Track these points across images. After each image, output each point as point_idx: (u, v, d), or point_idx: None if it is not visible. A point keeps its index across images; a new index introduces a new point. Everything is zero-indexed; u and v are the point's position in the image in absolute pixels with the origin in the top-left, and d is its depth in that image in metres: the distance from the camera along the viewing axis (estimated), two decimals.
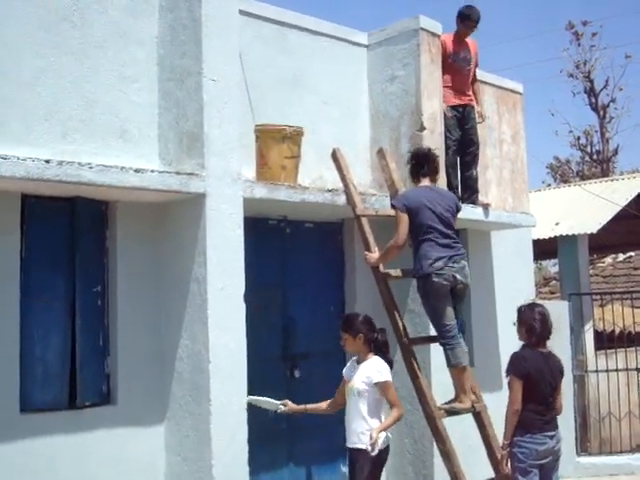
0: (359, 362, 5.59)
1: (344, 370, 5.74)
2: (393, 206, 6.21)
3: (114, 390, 5.69)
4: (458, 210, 6.36)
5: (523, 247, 9.31)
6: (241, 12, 6.33)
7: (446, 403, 6.23)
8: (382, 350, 5.59)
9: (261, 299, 6.53)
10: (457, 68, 7.67)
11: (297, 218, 7.04)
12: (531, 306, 5.73)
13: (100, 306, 5.70)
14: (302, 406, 5.93)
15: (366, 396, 5.41)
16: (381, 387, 5.43)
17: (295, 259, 7.02)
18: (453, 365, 6.13)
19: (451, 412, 6.20)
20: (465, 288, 6.22)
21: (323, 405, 5.88)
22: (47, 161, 4.90)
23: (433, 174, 6.34)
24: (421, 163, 6.34)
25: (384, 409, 5.54)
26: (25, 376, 5.25)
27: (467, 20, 7.66)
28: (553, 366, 5.59)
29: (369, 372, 5.45)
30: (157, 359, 5.84)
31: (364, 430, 5.35)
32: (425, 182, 6.29)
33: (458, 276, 6.05)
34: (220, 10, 5.82)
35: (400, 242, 6.05)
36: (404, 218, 6.05)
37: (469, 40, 7.84)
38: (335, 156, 6.74)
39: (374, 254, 6.34)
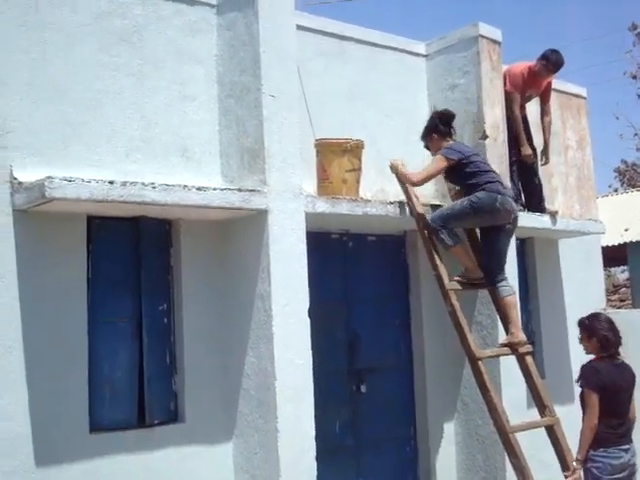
0: None
1: None
2: (442, 155, 6.34)
3: (182, 408, 5.69)
4: None
5: (592, 255, 9.10)
6: (301, 27, 6.36)
7: (458, 276, 6.37)
8: None
9: (325, 314, 6.48)
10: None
11: (359, 231, 6.98)
12: (596, 316, 5.56)
13: (166, 324, 5.72)
14: None
15: None
16: None
17: (358, 273, 6.96)
18: (452, 245, 6.27)
19: (466, 283, 6.36)
20: (515, 227, 6.44)
21: None
22: (111, 182, 4.94)
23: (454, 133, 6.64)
24: (448, 123, 6.56)
25: None
26: (94, 396, 5.29)
27: (551, 65, 7.56)
28: (627, 377, 5.41)
29: None
30: (223, 376, 5.83)
31: None
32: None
33: (514, 214, 6.33)
34: (277, 26, 5.82)
35: (416, 180, 6.34)
36: (441, 164, 6.30)
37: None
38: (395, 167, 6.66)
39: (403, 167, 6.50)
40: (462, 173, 6.33)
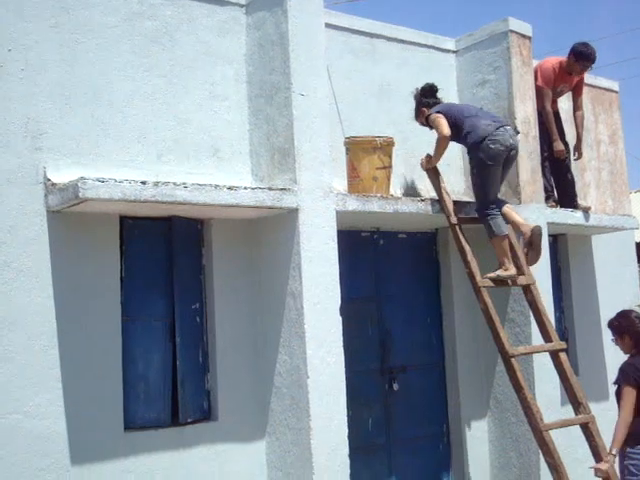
0: None
1: None
2: (426, 119, 6.51)
3: (215, 406, 5.72)
4: None
5: (626, 250, 9.00)
6: (330, 25, 6.38)
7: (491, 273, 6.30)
8: None
9: (356, 312, 6.49)
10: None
11: (390, 229, 6.98)
12: (624, 314, 5.53)
13: (199, 323, 5.76)
14: None
15: None
16: None
17: (389, 270, 6.95)
18: (496, 234, 6.24)
19: (497, 281, 6.28)
20: (517, 153, 6.46)
21: None
22: (143, 182, 4.98)
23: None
24: (432, 95, 6.68)
25: None
26: (128, 394, 5.34)
27: (585, 60, 7.52)
28: None
29: None
30: (256, 374, 5.86)
31: None
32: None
33: (511, 140, 6.29)
34: (306, 25, 5.82)
35: (446, 131, 6.26)
36: (440, 116, 6.35)
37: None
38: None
39: (425, 158, 6.55)
40: (454, 131, 6.35)
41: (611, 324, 5.53)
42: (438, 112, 6.42)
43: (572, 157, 7.91)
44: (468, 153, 6.44)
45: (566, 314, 8.15)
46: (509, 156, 6.33)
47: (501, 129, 6.27)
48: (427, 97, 6.66)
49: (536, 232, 6.26)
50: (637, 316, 5.46)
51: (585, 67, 7.57)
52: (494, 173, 6.29)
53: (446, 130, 6.28)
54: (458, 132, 6.36)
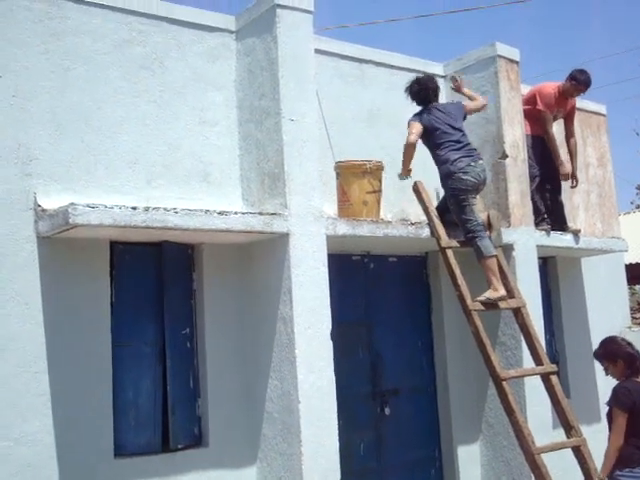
0: None
1: None
2: (409, 123, 6.51)
3: (206, 432, 5.69)
4: (465, 113, 6.69)
5: (616, 272, 9.04)
6: (320, 51, 6.44)
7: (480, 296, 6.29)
8: None
9: (347, 336, 6.48)
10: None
11: (380, 253, 6.99)
12: (609, 340, 5.53)
13: (189, 348, 5.74)
14: None
15: None
16: None
17: (380, 294, 6.95)
18: (485, 256, 6.29)
19: (488, 304, 6.29)
20: (484, 187, 6.61)
21: None
22: (134, 208, 4.99)
23: (436, 98, 6.67)
24: (417, 95, 6.63)
25: None
26: (119, 420, 5.31)
27: (581, 85, 7.71)
28: None
29: None
30: (247, 400, 5.83)
31: None
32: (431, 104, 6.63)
33: (482, 175, 6.43)
34: (296, 51, 5.86)
35: (412, 139, 6.37)
36: (417, 124, 6.44)
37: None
38: (416, 188, 6.68)
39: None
40: (431, 142, 6.48)
41: (597, 353, 5.53)
42: (420, 120, 6.46)
43: (570, 184, 7.97)
44: (442, 185, 6.48)
45: (557, 337, 8.16)
46: (479, 188, 6.46)
47: (472, 164, 6.35)
48: (415, 99, 6.66)
49: (492, 216, 6.57)
50: (623, 339, 5.48)
51: (579, 91, 7.74)
52: (470, 199, 6.36)
53: (412, 137, 6.38)
54: (434, 146, 6.46)
